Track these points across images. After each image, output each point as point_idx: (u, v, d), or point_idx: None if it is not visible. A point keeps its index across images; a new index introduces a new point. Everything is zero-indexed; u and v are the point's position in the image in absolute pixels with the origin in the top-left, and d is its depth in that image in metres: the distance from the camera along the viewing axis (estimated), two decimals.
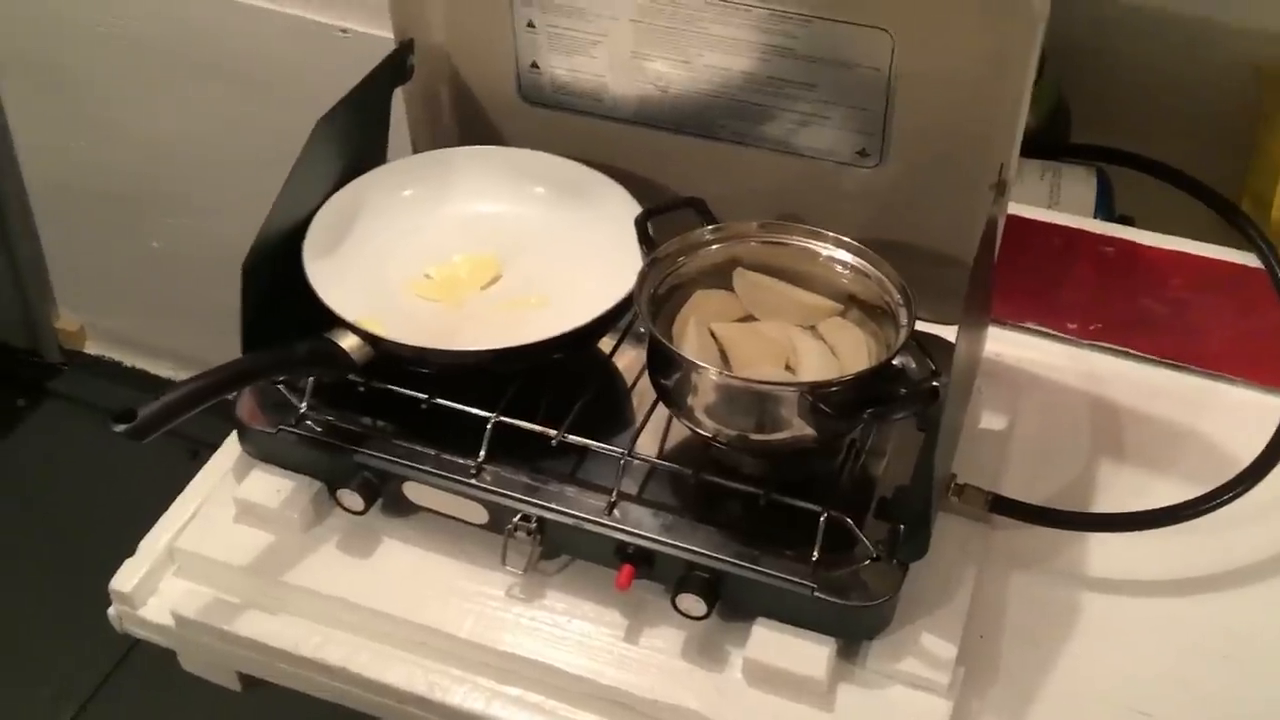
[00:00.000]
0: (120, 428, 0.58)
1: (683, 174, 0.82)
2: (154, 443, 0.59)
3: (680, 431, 0.72)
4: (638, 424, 0.71)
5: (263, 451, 0.71)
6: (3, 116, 1.50)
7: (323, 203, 0.77)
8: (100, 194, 1.51)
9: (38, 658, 1.38)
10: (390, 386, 0.71)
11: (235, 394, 0.71)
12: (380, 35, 0.80)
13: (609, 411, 0.74)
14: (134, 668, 1.36)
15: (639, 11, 0.77)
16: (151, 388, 1.54)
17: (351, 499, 0.68)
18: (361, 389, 0.71)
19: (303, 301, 0.71)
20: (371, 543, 0.70)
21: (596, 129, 0.83)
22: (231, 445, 0.73)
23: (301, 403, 0.71)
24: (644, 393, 0.71)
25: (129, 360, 1.66)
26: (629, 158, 0.82)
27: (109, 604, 0.70)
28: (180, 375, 1.54)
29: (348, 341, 0.68)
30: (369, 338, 0.69)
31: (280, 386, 0.72)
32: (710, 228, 0.73)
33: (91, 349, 1.69)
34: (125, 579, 0.69)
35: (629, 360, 0.77)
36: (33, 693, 1.36)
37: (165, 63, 1.32)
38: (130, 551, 0.70)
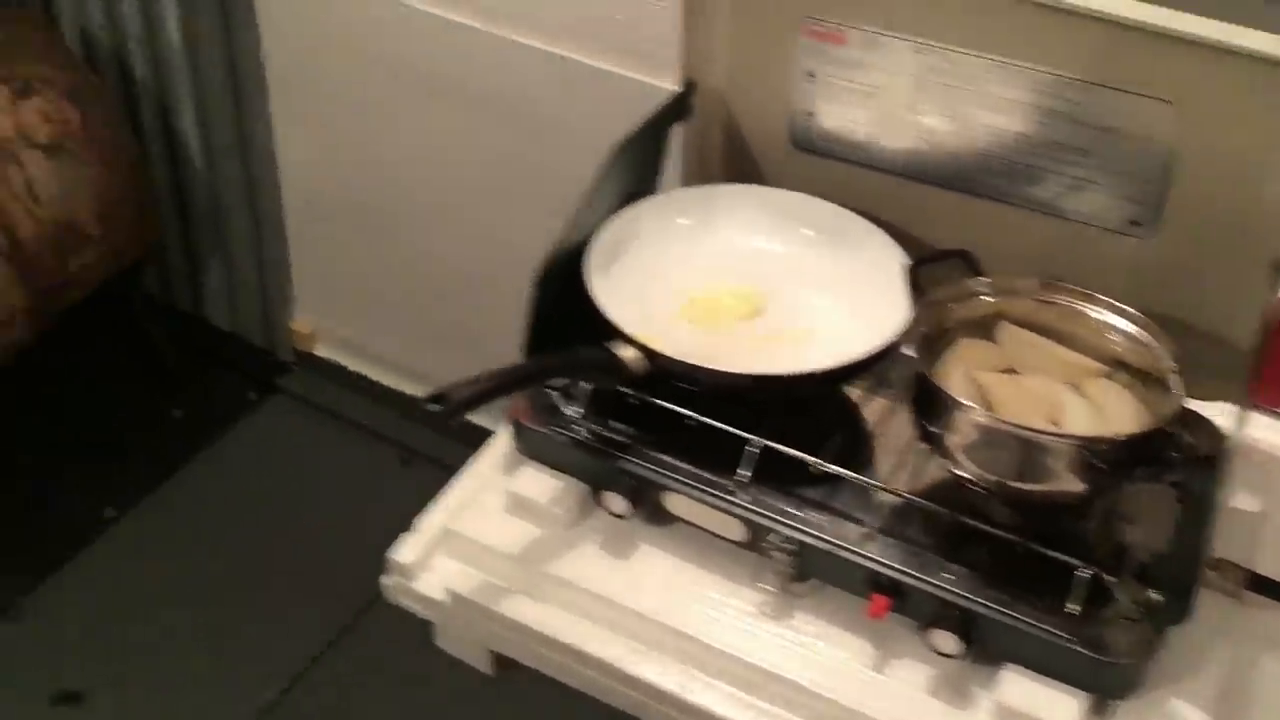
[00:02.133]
0: (433, 408, 0.64)
1: (942, 227, 0.84)
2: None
3: (931, 473, 0.73)
4: (886, 462, 0.73)
5: (533, 449, 0.76)
6: (270, 127, 1.61)
7: (600, 225, 0.82)
8: (349, 206, 1.60)
9: (245, 639, 1.46)
10: (658, 401, 0.75)
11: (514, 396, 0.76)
12: (632, 78, 0.85)
13: (856, 448, 0.76)
14: (342, 652, 1.43)
15: (921, 67, 0.80)
16: (371, 392, 1.63)
17: (616, 502, 0.72)
18: (632, 401, 0.75)
19: (572, 316, 0.75)
20: (630, 546, 0.73)
21: (859, 177, 0.86)
22: (500, 442, 0.78)
23: (570, 408, 0.76)
24: (888, 436, 0.73)
25: (354, 365, 1.75)
26: (889, 208, 0.85)
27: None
28: (398, 383, 1.62)
29: (626, 353, 0.73)
30: (647, 352, 0.73)
31: (551, 392, 0.77)
32: (984, 279, 0.74)
33: (321, 351, 1.79)
34: (405, 552, 0.74)
35: (872, 407, 0.78)
36: (241, 673, 1.43)
37: (430, 88, 1.41)
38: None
